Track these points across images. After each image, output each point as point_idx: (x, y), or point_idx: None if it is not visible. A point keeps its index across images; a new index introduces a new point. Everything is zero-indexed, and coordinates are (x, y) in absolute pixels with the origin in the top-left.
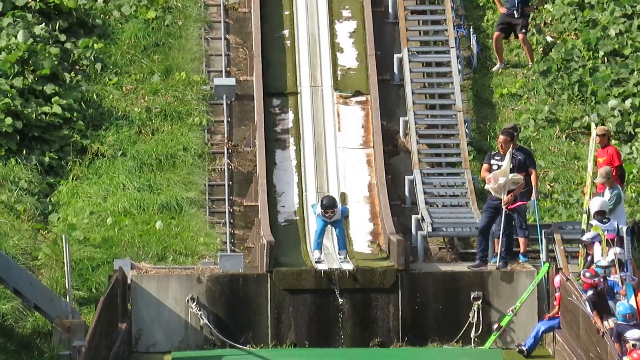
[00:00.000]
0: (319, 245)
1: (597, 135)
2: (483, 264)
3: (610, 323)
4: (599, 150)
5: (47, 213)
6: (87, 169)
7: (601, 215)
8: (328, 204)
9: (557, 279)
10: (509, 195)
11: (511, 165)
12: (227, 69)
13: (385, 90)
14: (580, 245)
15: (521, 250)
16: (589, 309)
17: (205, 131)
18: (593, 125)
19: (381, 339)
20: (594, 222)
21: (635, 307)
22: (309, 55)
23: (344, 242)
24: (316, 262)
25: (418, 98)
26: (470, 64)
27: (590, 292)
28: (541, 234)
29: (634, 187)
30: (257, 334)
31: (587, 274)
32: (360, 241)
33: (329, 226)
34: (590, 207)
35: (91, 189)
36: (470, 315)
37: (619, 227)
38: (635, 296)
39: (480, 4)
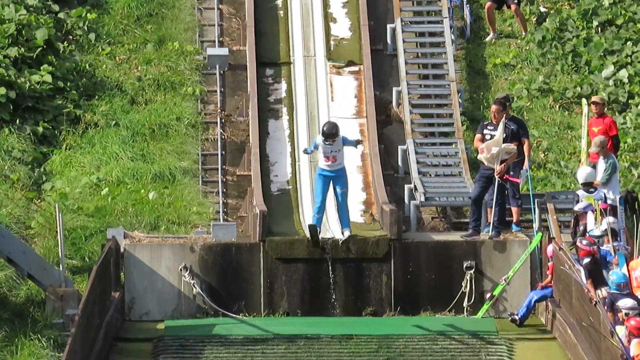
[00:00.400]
0: (318, 222)
1: (593, 103)
2: (476, 234)
3: (603, 292)
4: (595, 119)
5: (40, 182)
6: (81, 139)
7: (588, 185)
8: (329, 131)
9: (549, 248)
10: (502, 165)
11: (504, 135)
12: (220, 39)
13: (378, 61)
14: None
15: (514, 220)
16: (583, 277)
17: (199, 101)
18: (584, 101)
19: (374, 308)
20: (580, 192)
21: (627, 276)
22: (302, 25)
23: (347, 219)
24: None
25: (411, 68)
26: (463, 34)
27: (587, 260)
28: (534, 204)
29: (628, 157)
30: (249, 303)
31: (584, 242)
32: (353, 211)
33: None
34: (577, 178)
35: (84, 159)
36: (463, 284)
37: (614, 196)
38: (627, 265)
39: None
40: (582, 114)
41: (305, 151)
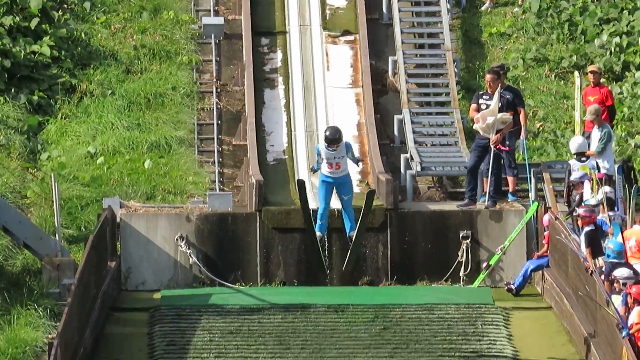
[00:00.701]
0: (322, 228)
1: (591, 72)
2: (472, 203)
3: (599, 262)
4: (591, 88)
5: (36, 152)
6: (76, 108)
7: (580, 155)
8: (332, 136)
9: (545, 218)
10: (498, 135)
11: (499, 104)
12: (216, 7)
13: (374, 30)
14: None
15: (510, 190)
16: (583, 246)
17: (194, 70)
18: (576, 73)
19: (370, 278)
20: (572, 161)
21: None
22: None
23: (353, 223)
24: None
25: (407, 37)
26: (459, 3)
27: (590, 228)
28: (530, 173)
29: (624, 126)
30: (246, 273)
31: (584, 210)
32: None
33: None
34: (569, 147)
35: (80, 128)
36: (459, 254)
37: (608, 165)
38: (622, 235)
39: None
40: (575, 87)
41: (313, 169)
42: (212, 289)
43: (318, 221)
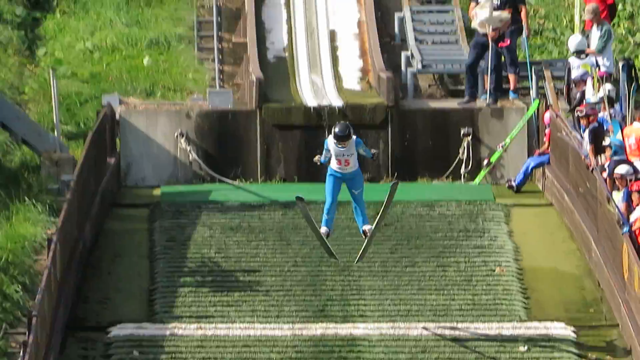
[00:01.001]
0: (328, 223)
1: None
2: (472, 100)
3: (601, 159)
4: None
5: (33, 48)
6: (74, 5)
7: (579, 53)
8: (342, 133)
9: (547, 116)
10: (494, 32)
11: (498, 2)
12: None
13: None
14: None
15: (511, 87)
16: (586, 143)
17: None
18: None
19: (371, 175)
20: (572, 59)
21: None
22: None
23: (366, 216)
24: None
25: None
26: None
27: (595, 125)
28: (531, 71)
29: (625, 24)
30: (246, 170)
31: (587, 108)
32: (350, 78)
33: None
34: (568, 46)
35: (78, 24)
36: (460, 151)
37: (608, 63)
38: (622, 132)
39: None
40: None
41: (319, 162)
42: (212, 185)
43: (324, 215)
